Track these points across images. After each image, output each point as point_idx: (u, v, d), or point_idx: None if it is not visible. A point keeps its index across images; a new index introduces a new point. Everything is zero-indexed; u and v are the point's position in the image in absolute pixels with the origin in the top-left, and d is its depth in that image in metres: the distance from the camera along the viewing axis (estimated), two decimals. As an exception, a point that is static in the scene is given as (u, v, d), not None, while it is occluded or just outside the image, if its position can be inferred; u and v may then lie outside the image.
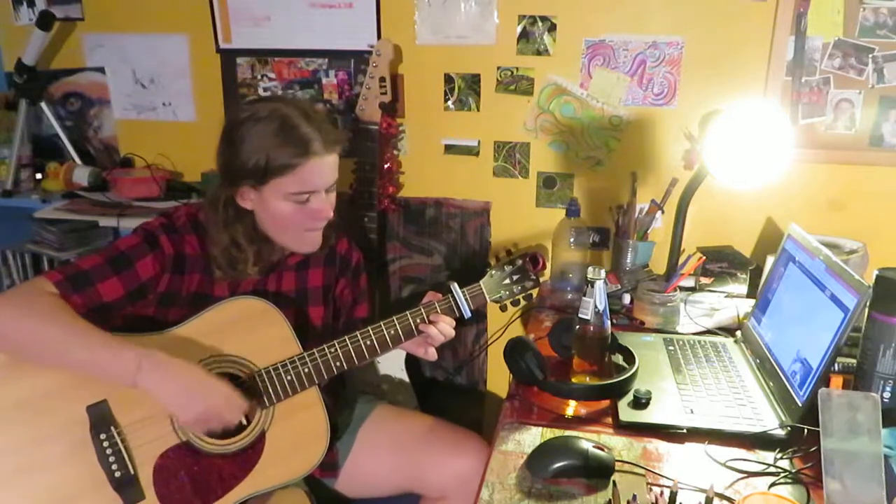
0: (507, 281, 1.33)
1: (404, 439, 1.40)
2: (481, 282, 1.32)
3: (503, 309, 1.37)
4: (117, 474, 1.10)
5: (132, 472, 1.12)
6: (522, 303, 1.36)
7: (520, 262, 1.34)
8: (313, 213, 1.23)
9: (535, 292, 1.40)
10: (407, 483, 1.38)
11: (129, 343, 1.09)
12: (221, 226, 1.23)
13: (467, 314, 1.31)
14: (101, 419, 1.10)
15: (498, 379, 2.08)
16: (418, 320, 1.27)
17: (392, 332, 1.26)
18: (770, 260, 1.51)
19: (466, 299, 1.30)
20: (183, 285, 1.23)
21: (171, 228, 1.23)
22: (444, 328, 1.27)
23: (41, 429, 1.08)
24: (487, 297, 1.32)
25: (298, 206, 1.22)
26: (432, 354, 1.30)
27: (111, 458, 1.10)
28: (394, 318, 1.26)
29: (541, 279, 1.40)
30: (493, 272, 1.33)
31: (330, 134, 1.21)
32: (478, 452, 1.33)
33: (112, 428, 1.11)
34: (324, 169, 1.21)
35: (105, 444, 1.10)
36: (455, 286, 1.30)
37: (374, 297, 1.89)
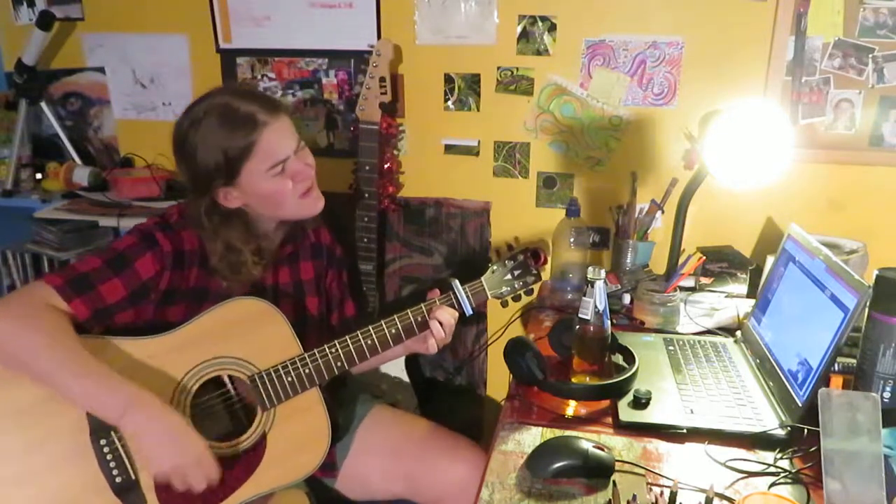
0: (509, 276, 1.33)
1: (400, 445, 1.40)
2: (482, 278, 1.32)
3: (504, 305, 1.36)
4: (118, 479, 1.10)
5: (133, 476, 1.11)
6: (524, 298, 1.36)
7: (521, 257, 1.34)
8: (296, 177, 1.23)
9: (535, 287, 1.40)
10: (403, 488, 1.38)
11: (119, 384, 1.07)
12: (212, 235, 1.22)
13: (468, 311, 1.30)
14: (101, 424, 1.09)
15: (498, 379, 2.08)
16: (419, 318, 1.27)
17: (393, 330, 1.25)
18: (770, 260, 1.51)
19: (468, 296, 1.30)
20: (182, 281, 1.22)
21: (166, 226, 1.23)
22: (445, 317, 1.26)
23: (41, 434, 1.08)
24: (489, 293, 1.32)
25: (280, 177, 1.21)
26: (432, 346, 1.28)
27: (112, 464, 1.10)
28: (395, 316, 1.26)
29: (542, 274, 1.39)
30: (495, 268, 1.33)
31: (269, 102, 1.22)
32: (473, 460, 1.32)
33: (112, 433, 1.10)
34: (281, 134, 1.21)
35: (105, 449, 1.10)
36: (456, 283, 1.30)
37: (374, 298, 1.89)
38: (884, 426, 0.94)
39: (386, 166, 1.89)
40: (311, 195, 1.27)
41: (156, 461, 1.08)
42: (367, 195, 1.81)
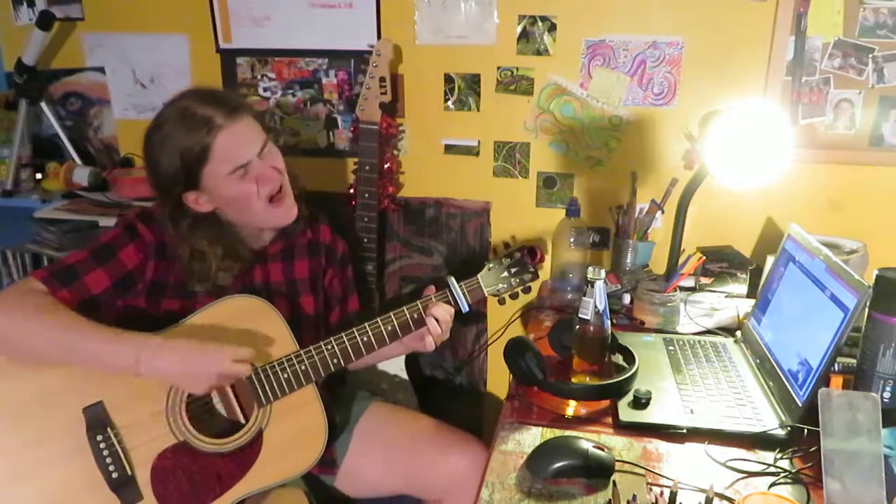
0: (506, 274, 1.33)
1: (401, 440, 1.40)
2: (479, 275, 1.32)
3: (501, 303, 1.36)
4: (114, 475, 1.10)
5: (129, 472, 1.12)
6: (521, 296, 1.36)
7: (518, 254, 1.34)
8: (261, 180, 1.22)
9: (534, 286, 1.39)
10: (403, 485, 1.38)
11: (125, 333, 1.10)
12: (180, 240, 1.23)
13: (465, 309, 1.30)
14: (97, 420, 1.10)
15: (498, 379, 2.08)
16: (415, 315, 1.26)
17: (389, 327, 1.25)
18: (770, 260, 1.51)
19: (464, 293, 1.29)
20: (169, 273, 1.24)
21: (148, 218, 1.24)
22: (441, 313, 1.26)
23: (38, 431, 1.09)
24: (485, 290, 1.31)
25: (245, 181, 1.21)
26: (430, 343, 1.28)
27: (108, 459, 1.10)
28: (390, 313, 1.26)
29: (539, 272, 1.39)
30: (491, 265, 1.33)
31: (229, 104, 1.20)
32: (474, 454, 1.32)
33: (108, 429, 1.11)
34: (239, 137, 1.20)
35: (102, 445, 1.10)
36: (452, 280, 1.30)
37: (374, 298, 1.89)
38: (884, 426, 0.94)
39: (386, 166, 1.89)
40: (281, 204, 1.26)
41: (191, 384, 1.11)
42: (367, 195, 1.81)
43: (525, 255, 1.34)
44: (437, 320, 1.26)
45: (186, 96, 1.21)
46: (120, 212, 1.84)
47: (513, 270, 1.33)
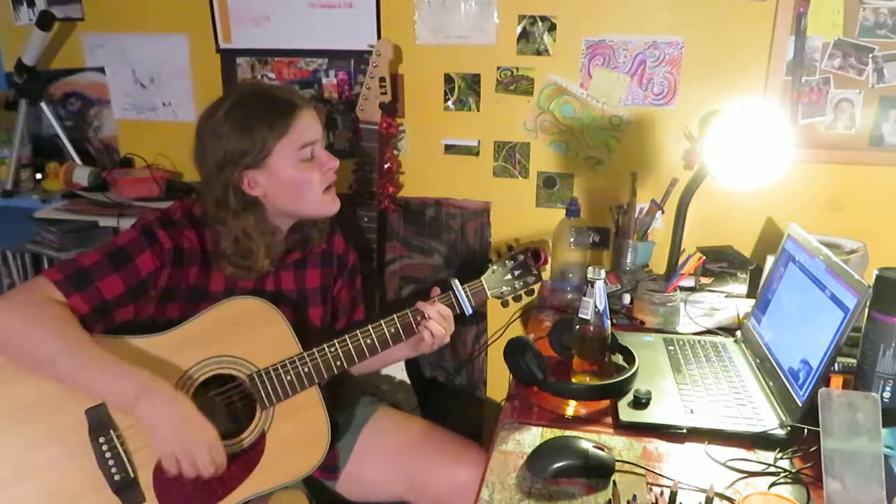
0: (509, 276, 1.33)
1: (405, 447, 1.40)
2: (482, 278, 1.32)
3: (505, 304, 1.36)
4: (116, 477, 1.10)
5: (132, 475, 1.11)
6: (525, 298, 1.36)
7: (521, 257, 1.34)
8: (323, 164, 1.26)
9: (536, 287, 1.40)
10: (405, 491, 1.38)
11: (130, 370, 1.08)
12: (231, 217, 1.22)
13: (468, 311, 1.30)
14: (99, 422, 1.10)
15: (498, 379, 2.08)
16: (418, 317, 1.27)
17: (392, 329, 1.25)
18: (770, 260, 1.51)
19: (467, 295, 1.30)
20: (182, 279, 1.22)
21: (168, 222, 1.23)
22: (442, 309, 1.27)
23: (40, 431, 1.08)
24: (489, 293, 1.31)
25: (307, 164, 1.24)
26: (428, 340, 1.28)
27: (110, 462, 1.10)
28: (394, 315, 1.26)
29: (542, 274, 1.39)
30: (495, 267, 1.33)
31: (301, 94, 1.31)
32: (477, 464, 1.32)
33: (111, 431, 1.10)
34: (312, 119, 1.25)
35: (104, 447, 1.10)
36: (456, 283, 1.30)
37: (374, 298, 1.89)
38: (884, 426, 0.94)
39: (386, 166, 1.89)
40: (330, 192, 1.29)
41: (166, 445, 1.08)
42: (367, 195, 1.81)
43: (529, 258, 1.34)
44: (442, 316, 1.27)
45: (256, 85, 1.33)
46: (120, 212, 1.85)
47: (516, 273, 1.33)
